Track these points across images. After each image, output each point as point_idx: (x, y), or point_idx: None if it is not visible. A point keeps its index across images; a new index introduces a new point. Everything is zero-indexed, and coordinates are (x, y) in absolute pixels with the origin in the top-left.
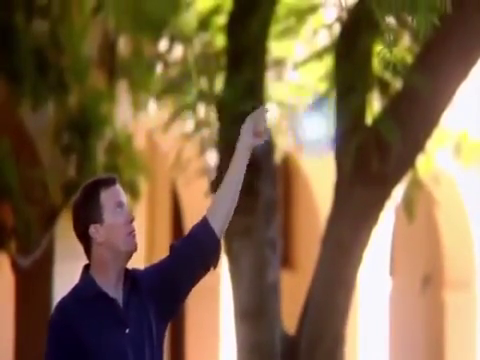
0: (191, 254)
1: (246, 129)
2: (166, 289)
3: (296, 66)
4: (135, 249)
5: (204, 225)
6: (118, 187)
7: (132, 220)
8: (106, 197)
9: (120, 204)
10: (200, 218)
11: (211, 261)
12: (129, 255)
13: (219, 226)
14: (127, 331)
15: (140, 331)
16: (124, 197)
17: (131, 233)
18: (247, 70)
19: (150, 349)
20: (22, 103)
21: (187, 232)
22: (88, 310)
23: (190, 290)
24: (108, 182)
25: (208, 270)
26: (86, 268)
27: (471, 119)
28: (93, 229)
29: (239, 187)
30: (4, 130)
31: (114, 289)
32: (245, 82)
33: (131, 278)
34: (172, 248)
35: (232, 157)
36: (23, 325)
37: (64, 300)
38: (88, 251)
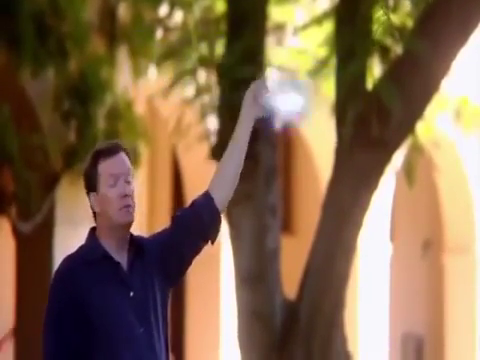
0: (191, 227)
1: (248, 100)
2: (169, 257)
3: (296, 31)
4: (128, 222)
5: (206, 199)
6: (118, 158)
7: (125, 195)
8: (103, 168)
9: (115, 177)
10: (203, 191)
11: (211, 235)
12: (124, 227)
13: (222, 199)
14: (131, 294)
15: (144, 295)
16: (124, 168)
17: (123, 208)
18: (247, 35)
19: (154, 313)
20: (22, 69)
21: (189, 203)
22: (93, 271)
23: (192, 259)
24: (109, 152)
25: (207, 241)
26: (93, 229)
27: (471, 84)
28: (92, 197)
29: (242, 159)
30: (4, 96)
31: (119, 254)
32: (245, 47)
33: (136, 244)
34: (174, 218)
35: (233, 123)
36: (24, 290)
37: (70, 258)
38: (94, 216)
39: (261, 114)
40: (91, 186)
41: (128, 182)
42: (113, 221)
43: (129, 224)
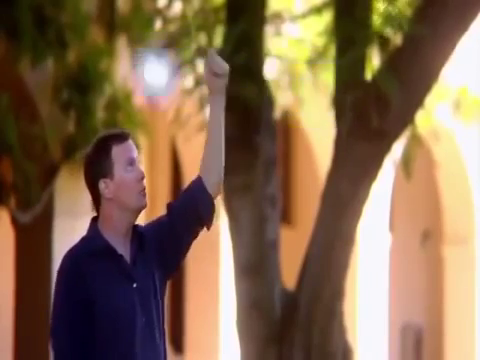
0: (186, 214)
1: (207, 77)
2: (166, 246)
3: (294, 19)
4: (145, 207)
5: (198, 184)
6: (130, 143)
7: (143, 177)
8: (118, 152)
9: (131, 161)
10: (195, 177)
11: (206, 220)
12: (138, 212)
13: (213, 183)
14: (135, 285)
15: (146, 285)
16: (136, 153)
17: (142, 191)
18: (244, 21)
19: (155, 302)
20: (21, 59)
21: (182, 190)
22: (97, 263)
23: (189, 246)
24: (121, 137)
25: (203, 226)
26: (94, 220)
27: (471, 74)
28: (103, 184)
29: (222, 133)
30: (4, 86)
31: (122, 244)
32: (241, 33)
33: (139, 233)
34: (168, 207)
35: (231, 113)
36: (23, 280)
37: (74, 251)
38: (97, 205)
39: (220, 82)
40: (104, 172)
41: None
42: (128, 206)
43: (143, 209)
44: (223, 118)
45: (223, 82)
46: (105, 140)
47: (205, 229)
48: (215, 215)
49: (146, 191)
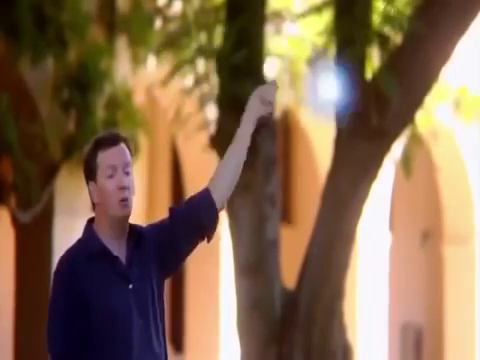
0: (189, 223)
1: (254, 98)
2: (165, 251)
3: (294, 18)
4: (125, 216)
5: (205, 196)
6: (118, 149)
7: (124, 187)
8: (102, 158)
9: (113, 168)
10: (203, 187)
11: (208, 232)
12: (122, 219)
13: (221, 197)
14: (130, 286)
15: (143, 286)
16: (124, 159)
17: (122, 201)
18: (243, 18)
19: (152, 303)
20: (22, 58)
21: (188, 198)
22: (93, 265)
23: (188, 254)
24: (108, 143)
25: (204, 237)
26: (90, 221)
27: (471, 74)
28: (90, 187)
29: (244, 158)
30: (4, 85)
31: (117, 246)
32: (241, 30)
33: (136, 234)
34: (172, 213)
35: (232, 112)
36: (23, 279)
37: (70, 253)
38: (93, 205)
39: (265, 113)
40: (90, 175)
41: (127, 173)
42: (110, 212)
43: (125, 217)
44: (250, 139)
45: (266, 110)
46: (94, 144)
47: (205, 241)
48: (217, 228)
49: (128, 200)
